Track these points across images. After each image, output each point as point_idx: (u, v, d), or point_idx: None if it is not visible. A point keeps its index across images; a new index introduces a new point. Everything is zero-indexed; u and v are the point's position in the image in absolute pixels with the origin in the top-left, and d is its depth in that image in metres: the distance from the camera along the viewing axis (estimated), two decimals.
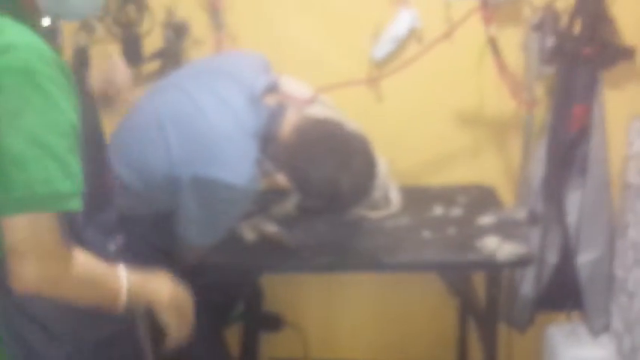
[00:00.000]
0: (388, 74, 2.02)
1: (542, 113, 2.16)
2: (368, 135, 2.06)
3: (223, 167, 1.36)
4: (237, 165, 1.38)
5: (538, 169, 2.17)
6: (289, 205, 2.05)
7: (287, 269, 2.02)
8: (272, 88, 1.53)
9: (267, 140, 1.45)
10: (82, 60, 2.22)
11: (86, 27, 2.21)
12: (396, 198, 2.04)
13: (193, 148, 1.38)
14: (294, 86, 2.03)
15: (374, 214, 2.00)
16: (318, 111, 2.04)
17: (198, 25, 2.25)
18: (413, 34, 2.19)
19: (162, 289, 1.20)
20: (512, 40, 2.13)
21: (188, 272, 1.62)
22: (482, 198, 2.15)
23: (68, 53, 2.25)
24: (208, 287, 1.76)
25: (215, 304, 1.80)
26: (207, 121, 1.38)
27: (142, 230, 1.52)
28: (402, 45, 2.20)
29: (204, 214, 1.40)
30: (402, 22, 2.17)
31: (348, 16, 2.21)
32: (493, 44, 1.90)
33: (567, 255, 2.15)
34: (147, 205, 1.49)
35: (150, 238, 1.54)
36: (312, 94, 2.02)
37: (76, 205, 0.97)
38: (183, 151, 1.38)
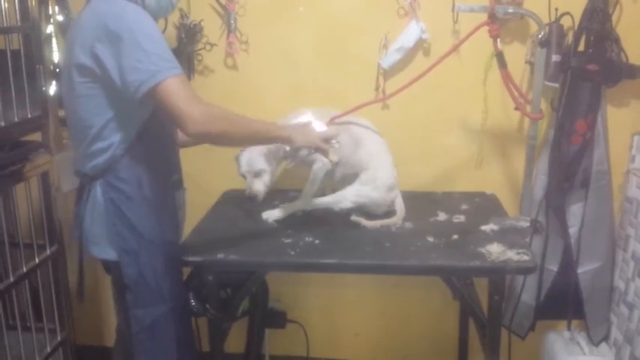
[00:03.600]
0: (395, 92, 2.04)
1: (545, 126, 2.21)
2: None
3: (107, 12, 1.47)
4: (117, 4, 1.49)
5: (541, 180, 2.22)
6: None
7: (294, 268, 2.06)
8: None
9: None
10: None
11: None
12: (400, 210, 2.06)
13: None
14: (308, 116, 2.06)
15: (372, 224, 2.01)
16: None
17: (211, 27, 2.30)
18: (420, 45, 2.25)
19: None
20: (518, 54, 2.19)
21: (196, 271, 1.68)
22: (486, 206, 2.19)
23: None
24: (215, 283, 1.80)
25: (222, 300, 1.82)
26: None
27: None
28: (408, 55, 2.25)
29: (122, 47, 1.44)
30: (410, 34, 2.22)
31: (357, 25, 2.27)
32: (500, 57, 1.94)
33: (568, 265, 2.19)
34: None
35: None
36: (326, 117, 2.06)
37: None
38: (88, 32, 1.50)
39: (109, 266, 1.71)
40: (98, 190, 1.61)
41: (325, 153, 1.80)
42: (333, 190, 2.08)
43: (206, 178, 2.40)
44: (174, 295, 1.71)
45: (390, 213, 2.06)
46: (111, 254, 1.64)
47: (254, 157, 1.91)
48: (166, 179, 1.71)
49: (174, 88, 1.45)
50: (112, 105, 1.54)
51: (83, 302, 1.87)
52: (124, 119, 1.56)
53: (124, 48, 1.43)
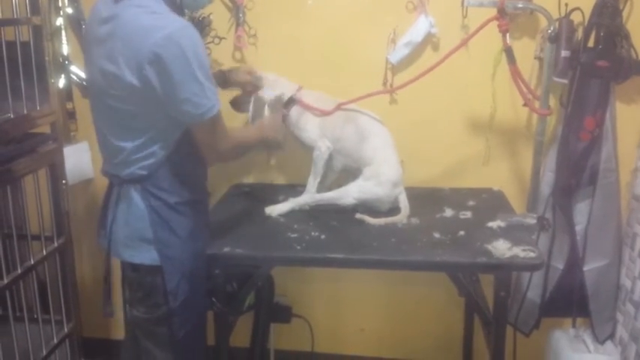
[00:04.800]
0: (404, 84, 2.04)
1: (553, 122, 2.20)
2: None
3: (157, 29, 1.43)
4: (166, 19, 1.47)
5: (548, 177, 2.21)
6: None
7: (299, 263, 2.07)
8: None
9: None
10: None
11: None
12: (405, 208, 2.04)
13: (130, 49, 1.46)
14: (315, 97, 2.08)
15: (376, 221, 1.99)
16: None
17: (220, 21, 2.30)
18: (428, 40, 2.24)
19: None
20: (527, 50, 2.18)
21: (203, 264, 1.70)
22: (492, 202, 2.18)
23: None
24: (221, 277, 1.80)
25: (228, 293, 1.82)
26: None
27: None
28: (417, 49, 2.24)
29: (178, 76, 1.43)
30: (419, 28, 2.21)
31: (366, 19, 2.26)
32: (509, 53, 1.93)
33: (574, 262, 2.18)
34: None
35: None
36: (333, 105, 2.06)
37: None
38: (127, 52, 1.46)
39: (138, 269, 1.66)
40: (135, 194, 1.59)
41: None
42: (339, 186, 2.07)
43: (211, 172, 2.40)
44: (204, 295, 1.75)
45: (394, 210, 2.04)
46: (146, 258, 1.62)
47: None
48: (201, 185, 1.74)
49: (215, 124, 1.56)
50: (156, 120, 1.53)
51: (113, 316, 1.85)
52: (165, 131, 1.56)
53: (178, 77, 1.43)
